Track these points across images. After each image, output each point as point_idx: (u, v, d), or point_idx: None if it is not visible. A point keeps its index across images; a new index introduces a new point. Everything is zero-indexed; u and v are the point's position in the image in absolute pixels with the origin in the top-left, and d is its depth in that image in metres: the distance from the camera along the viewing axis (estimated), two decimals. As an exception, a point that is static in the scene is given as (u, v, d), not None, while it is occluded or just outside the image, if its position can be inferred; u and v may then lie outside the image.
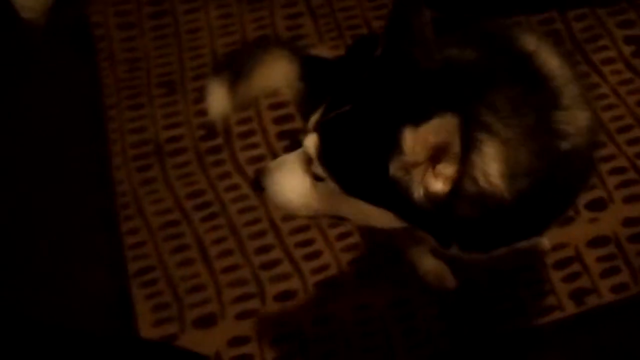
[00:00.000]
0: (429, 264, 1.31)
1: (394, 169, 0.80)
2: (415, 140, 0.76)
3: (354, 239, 1.37)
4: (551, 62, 0.88)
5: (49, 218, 1.44)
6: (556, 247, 1.34)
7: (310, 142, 0.86)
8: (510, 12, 1.50)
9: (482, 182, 0.80)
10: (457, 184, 0.80)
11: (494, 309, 1.28)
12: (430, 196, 0.81)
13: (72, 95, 1.61)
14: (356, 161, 0.82)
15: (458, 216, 0.82)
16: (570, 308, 1.29)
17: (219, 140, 1.52)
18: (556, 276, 1.32)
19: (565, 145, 0.85)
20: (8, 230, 1.41)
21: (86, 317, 1.27)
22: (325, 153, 0.85)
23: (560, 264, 1.34)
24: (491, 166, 0.80)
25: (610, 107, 1.52)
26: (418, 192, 0.81)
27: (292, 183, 0.90)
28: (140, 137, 1.54)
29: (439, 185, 0.80)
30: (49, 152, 1.52)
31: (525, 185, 0.83)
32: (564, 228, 1.33)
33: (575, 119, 0.87)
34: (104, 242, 1.39)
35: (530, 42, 0.89)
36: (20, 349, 0.89)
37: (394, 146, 0.78)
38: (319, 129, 0.86)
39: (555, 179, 0.86)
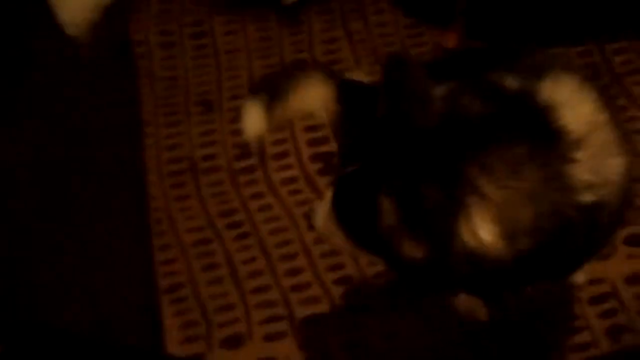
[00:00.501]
0: (460, 294, 1.30)
1: (380, 230, 0.82)
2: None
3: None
4: (576, 111, 0.86)
5: (83, 231, 1.46)
6: (592, 282, 1.32)
7: (327, 194, 0.95)
8: (548, 43, 1.50)
9: (472, 243, 0.80)
10: (436, 249, 0.79)
11: (526, 344, 1.26)
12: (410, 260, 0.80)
13: (111, 111, 1.64)
14: (354, 217, 0.88)
15: (453, 272, 0.81)
16: (605, 345, 1.26)
17: (252, 160, 1.53)
18: (592, 312, 1.30)
19: (587, 197, 0.83)
20: (41, 240, 1.44)
21: (115, 331, 1.29)
22: (334, 205, 0.93)
23: (596, 300, 1.31)
24: (482, 228, 0.79)
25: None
26: (402, 254, 0.82)
27: (326, 223, 0.97)
28: (175, 154, 1.57)
29: (414, 252, 0.80)
30: (86, 166, 1.55)
31: (530, 244, 0.81)
32: (601, 263, 1.31)
33: (601, 168, 0.85)
34: (136, 257, 1.40)
35: (561, 88, 0.87)
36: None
37: (376, 210, 0.81)
38: (335, 182, 0.94)
39: (574, 232, 0.84)
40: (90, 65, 1.71)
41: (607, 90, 1.58)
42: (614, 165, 0.87)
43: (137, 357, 1.09)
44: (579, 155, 0.84)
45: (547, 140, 0.83)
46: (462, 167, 0.79)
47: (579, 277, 1.32)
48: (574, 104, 0.86)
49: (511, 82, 0.87)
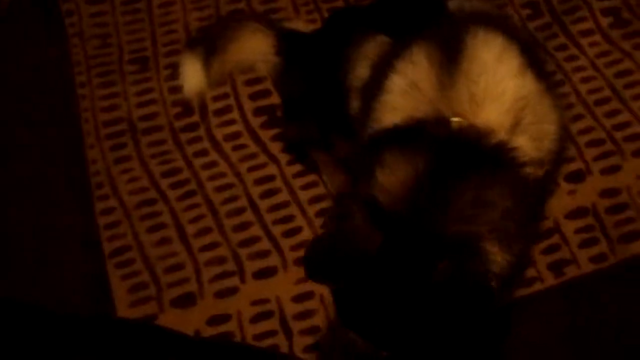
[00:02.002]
0: None
1: None
2: None
3: (334, 215, 1.40)
4: (505, 90, 0.90)
5: (21, 200, 1.43)
6: (535, 219, 1.39)
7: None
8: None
9: None
10: None
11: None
12: None
13: (41, 73, 1.59)
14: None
15: None
16: (550, 279, 1.33)
17: (194, 118, 1.52)
18: (535, 248, 1.36)
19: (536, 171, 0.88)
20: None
21: (63, 298, 1.29)
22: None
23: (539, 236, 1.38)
24: None
25: (588, 79, 1.55)
26: None
27: None
28: (112, 115, 1.54)
29: None
30: (17, 132, 1.51)
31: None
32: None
33: (540, 144, 0.91)
34: (79, 222, 1.39)
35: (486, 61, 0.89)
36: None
37: None
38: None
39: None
40: (13, 26, 1.65)
41: (549, 28, 1.63)
42: (551, 132, 0.92)
43: (85, 323, 1.09)
44: (518, 141, 0.88)
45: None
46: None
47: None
48: (500, 81, 0.89)
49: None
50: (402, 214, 0.80)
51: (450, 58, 0.90)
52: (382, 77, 0.94)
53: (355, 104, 1.02)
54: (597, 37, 1.62)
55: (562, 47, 1.60)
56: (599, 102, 1.53)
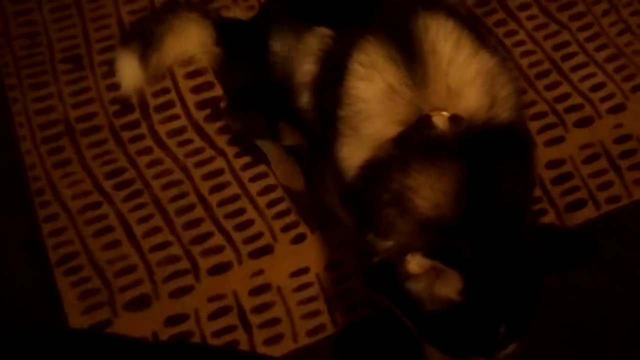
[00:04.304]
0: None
1: None
2: None
3: (285, 204, 1.43)
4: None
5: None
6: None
7: None
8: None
9: None
10: None
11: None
12: None
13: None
14: None
15: None
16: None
17: (135, 115, 1.54)
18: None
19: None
20: None
21: (11, 310, 1.29)
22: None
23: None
24: None
25: (527, 53, 1.64)
26: None
27: None
28: (48, 117, 1.54)
29: None
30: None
31: None
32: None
33: (497, 114, 0.97)
34: (23, 231, 1.39)
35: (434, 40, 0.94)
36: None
37: None
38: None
39: None
40: None
41: (487, 4, 1.70)
42: (517, 100, 0.97)
43: (36, 336, 1.10)
44: (503, 115, 0.94)
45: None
46: None
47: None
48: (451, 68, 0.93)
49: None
50: (459, 222, 0.86)
51: (411, 55, 0.94)
52: (340, 81, 0.97)
53: (304, 99, 1.06)
54: (534, 10, 1.70)
55: (501, 23, 1.68)
56: (540, 76, 1.61)
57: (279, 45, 1.10)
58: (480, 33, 0.98)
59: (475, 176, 0.86)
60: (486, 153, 0.88)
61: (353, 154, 0.93)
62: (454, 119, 0.89)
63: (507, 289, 0.85)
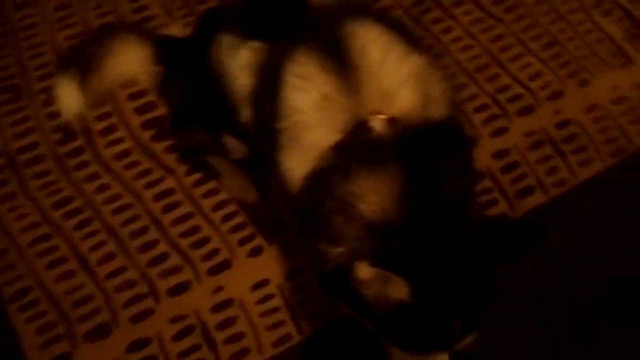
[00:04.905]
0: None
1: None
2: None
3: (240, 218, 1.44)
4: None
5: None
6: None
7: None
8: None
9: None
10: None
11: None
12: None
13: None
14: None
15: None
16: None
17: (78, 141, 1.53)
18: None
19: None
20: None
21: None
22: None
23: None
24: None
25: (466, 48, 1.69)
26: None
27: None
28: (-12, 151, 1.53)
29: None
30: None
31: None
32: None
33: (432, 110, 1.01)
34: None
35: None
36: None
37: None
38: None
39: None
40: None
41: (422, 3, 1.75)
42: (450, 97, 1.01)
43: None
44: (436, 113, 0.98)
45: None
46: None
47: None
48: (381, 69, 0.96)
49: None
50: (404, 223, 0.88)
51: (342, 62, 0.96)
52: (276, 94, 0.99)
53: (244, 113, 1.08)
54: (469, 6, 1.76)
55: (438, 20, 1.73)
56: (480, 69, 1.67)
57: (216, 61, 1.11)
58: (409, 35, 1.01)
59: (415, 176, 0.89)
60: (424, 152, 0.91)
61: (296, 165, 0.95)
62: (391, 121, 0.92)
63: (457, 284, 0.88)
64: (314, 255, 0.93)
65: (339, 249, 0.90)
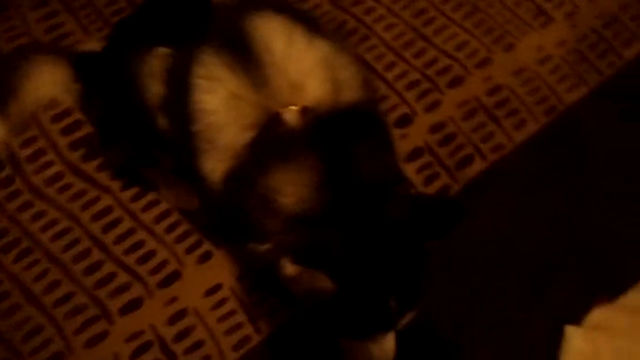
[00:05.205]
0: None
1: None
2: None
3: (184, 227, 1.42)
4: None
5: None
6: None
7: None
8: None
9: None
10: None
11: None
12: None
13: None
14: None
15: None
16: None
17: (6, 171, 1.48)
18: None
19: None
20: None
21: None
22: None
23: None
24: None
25: (390, 26, 1.70)
26: None
27: None
28: None
29: None
30: None
31: None
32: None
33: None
34: None
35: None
36: None
37: None
38: None
39: None
40: None
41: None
42: (362, 78, 1.02)
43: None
44: (347, 96, 0.98)
45: None
46: None
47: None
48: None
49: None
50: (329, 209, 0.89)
51: (246, 58, 0.96)
52: (186, 98, 0.98)
53: (161, 121, 1.07)
54: (388, -16, 1.78)
55: (358, 2, 1.73)
56: (406, 46, 1.68)
57: (129, 71, 1.10)
58: (313, 22, 1.02)
59: (331, 163, 0.90)
60: (338, 138, 0.92)
61: (215, 168, 0.95)
62: (303, 111, 0.92)
63: (386, 265, 0.89)
64: (246, 255, 0.93)
65: (266, 246, 0.90)
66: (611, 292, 1.33)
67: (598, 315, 0.96)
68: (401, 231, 0.90)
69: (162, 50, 1.02)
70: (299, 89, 0.95)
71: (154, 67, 1.04)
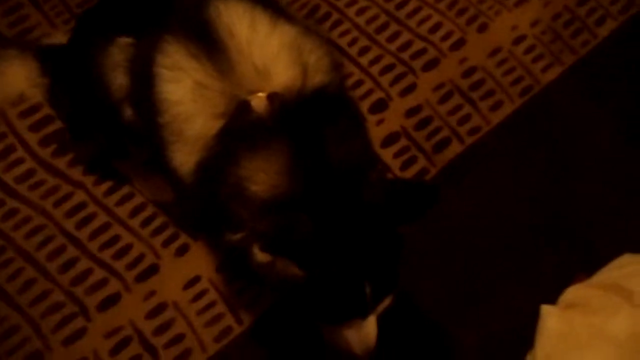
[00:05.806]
0: None
1: None
2: None
3: (160, 220, 1.43)
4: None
5: None
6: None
7: None
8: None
9: None
10: None
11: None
12: None
13: None
14: None
15: None
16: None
17: (-25, 170, 1.48)
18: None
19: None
20: None
21: None
22: None
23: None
24: None
25: (362, 10, 1.70)
26: None
27: None
28: None
29: None
30: None
31: None
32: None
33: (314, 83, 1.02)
34: None
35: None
36: None
37: None
38: None
39: None
40: None
41: None
42: (332, 60, 1.02)
43: None
44: (317, 79, 0.98)
45: None
46: None
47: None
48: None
49: None
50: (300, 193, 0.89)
51: (210, 45, 0.95)
52: (150, 89, 0.98)
53: (127, 112, 1.07)
54: (360, -32, 1.78)
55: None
56: (380, 30, 1.69)
57: (92, 63, 1.09)
58: (276, 6, 1.01)
59: (301, 148, 0.90)
60: (306, 123, 0.92)
61: (185, 160, 0.95)
62: (271, 97, 0.93)
63: (360, 250, 0.90)
64: (222, 245, 0.94)
65: (240, 235, 0.91)
66: (590, 269, 1.37)
67: (573, 293, 0.98)
68: (375, 215, 0.91)
69: (124, 40, 1.02)
70: (265, 75, 0.95)
71: (116, 57, 1.03)
